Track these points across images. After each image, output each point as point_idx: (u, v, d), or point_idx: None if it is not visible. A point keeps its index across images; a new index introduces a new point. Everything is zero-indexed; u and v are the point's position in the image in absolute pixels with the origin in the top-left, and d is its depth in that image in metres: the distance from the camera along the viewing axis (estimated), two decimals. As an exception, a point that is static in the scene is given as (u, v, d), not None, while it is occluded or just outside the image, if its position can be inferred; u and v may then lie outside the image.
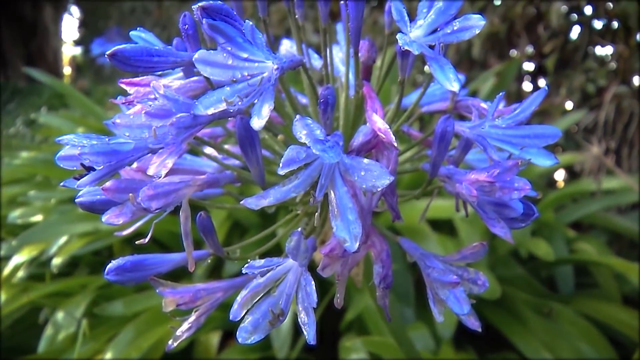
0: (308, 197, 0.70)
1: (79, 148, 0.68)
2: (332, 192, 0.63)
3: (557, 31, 3.07)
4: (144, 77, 0.77)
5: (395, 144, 0.65)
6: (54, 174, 2.66)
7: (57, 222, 2.22)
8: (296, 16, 0.88)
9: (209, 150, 0.89)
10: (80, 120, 3.33)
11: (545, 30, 3.14)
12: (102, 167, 0.69)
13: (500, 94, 0.71)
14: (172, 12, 7.19)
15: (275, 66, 0.62)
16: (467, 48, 3.42)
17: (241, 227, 2.31)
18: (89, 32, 11.56)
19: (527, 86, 3.45)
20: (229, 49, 0.65)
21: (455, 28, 0.70)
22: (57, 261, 2.04)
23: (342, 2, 0.82)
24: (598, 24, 2.98)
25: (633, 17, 2.68)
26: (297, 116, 0.59)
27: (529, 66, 3.38)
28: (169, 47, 0.80)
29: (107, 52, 0.68)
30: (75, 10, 13.05)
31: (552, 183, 3.16)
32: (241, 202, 0.63)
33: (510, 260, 2.20)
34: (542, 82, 3.35)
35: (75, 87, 8.26)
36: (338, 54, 1.05)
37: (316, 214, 0.66)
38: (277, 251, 0.91)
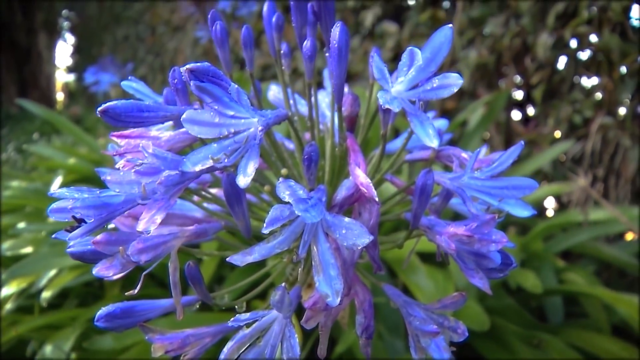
0: (295, 245, 0.72)
1: (71, 201, 0.70)
2: (314, 247, 0.65)
3: (543, 63, 3.13)
4: (135, 129, 0.79)
5: (377, 199, 0.67)
6: (44, 205, 2.64)
7: (48, 254, 2.21)
8: (282, 67, 0.91)
9: (197, 198, 0.91)
10: (71, 150, 3.33)
11: (533, 62, 3.21)
12: (93, 220, 0.71)
13: (479, 148, 0.74)
14: (166, 40, 7.24)
15: (260, 127, 0.65)
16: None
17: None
18: (82, 58, 11.63)
19: (516, 115, 3.50)
20: (216, 107, 0.67)
21: (434, 85, 0.72)
22: (46, 294, 2.03)
23: (327, 54, 0.85)
24: (584, 55, 3.04)
25: (616, 51, 2.74)
26: (282, 176, 0.61)
27: (518, 94, 3.44)
28: (159, 101, 0.82)
29: (99, 109, 0.70)
30: (69, 37, 13.18)
31: (541, 212, 3.19)
32: (227, 259, 0.65)
33: (500, 290, 2.22)
34: (530, 111, 3.41)
35: (67, 113, 8.29)
36: (325, 99, 1.08)
37: (299, 269, 0.68)
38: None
